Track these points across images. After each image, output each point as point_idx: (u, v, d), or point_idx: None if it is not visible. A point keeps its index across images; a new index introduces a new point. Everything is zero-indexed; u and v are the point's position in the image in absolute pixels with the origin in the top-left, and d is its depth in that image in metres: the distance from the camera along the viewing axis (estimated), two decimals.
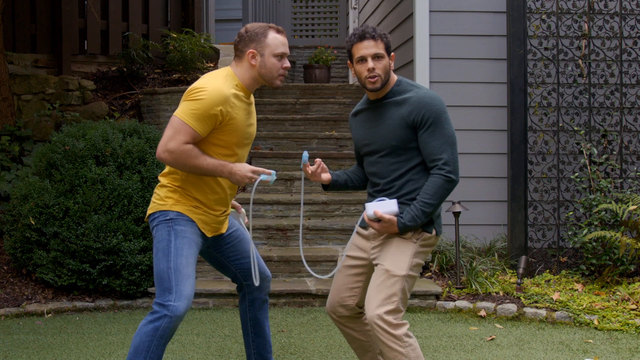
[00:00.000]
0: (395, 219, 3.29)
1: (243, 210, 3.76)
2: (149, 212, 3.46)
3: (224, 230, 3.59)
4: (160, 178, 3.48)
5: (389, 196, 3.39)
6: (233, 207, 3.72)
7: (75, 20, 8.62)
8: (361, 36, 3.35)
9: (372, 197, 3.48)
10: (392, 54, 3.40)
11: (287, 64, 3.44)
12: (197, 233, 3.41)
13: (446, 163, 3.26)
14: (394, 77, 3.44)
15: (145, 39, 9.27)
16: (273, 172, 3.40)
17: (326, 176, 3.54)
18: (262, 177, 3.36)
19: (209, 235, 3.50)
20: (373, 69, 3.32)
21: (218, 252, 3.64)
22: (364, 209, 3.46)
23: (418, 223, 3.29)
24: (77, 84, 8.12)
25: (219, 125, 3.31)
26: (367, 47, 3.32)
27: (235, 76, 3.41)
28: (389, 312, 3.26)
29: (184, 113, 3.26)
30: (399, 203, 3.34)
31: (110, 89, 8.60)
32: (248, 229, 3.75)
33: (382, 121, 3.40)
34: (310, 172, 3.47)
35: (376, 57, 3.33)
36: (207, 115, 3.25)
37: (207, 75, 3.40)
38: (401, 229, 3.30)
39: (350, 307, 3.55)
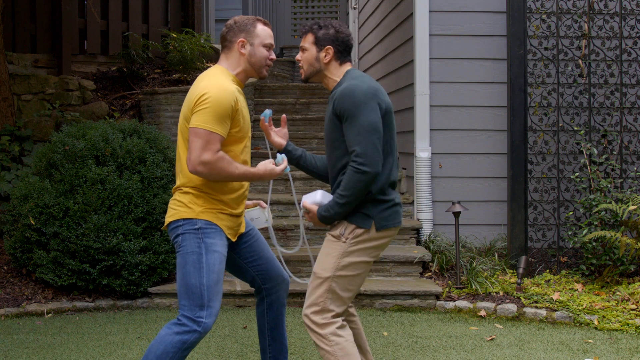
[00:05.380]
0: (316, 208, 3.35)
1: (265, 204, 3.73)
2: (170, 219, 3.39)
3: (243, 230, 3.58)
4: (178, 186, 3.41)
5: (331, 190, 3.46)
6: (255, 205, 3.68)
7: (75, 20, 8.61)
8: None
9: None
10: (328, 47, 3.42)
11: (274, 55, 3.52)
12: (224, 244, 3.39)
13: (358, 155, 3.22)
14: (343, 70, 3.46)
15: (145, 39, 9.26)
16: (279, 156, 3.51)
17: (279, 141, 3.62)
18: (284, 166, 3.46)
19: (233, 240, 3.48)
20: (299, 60, 3.51)
21: (235, 253, 3.59)
22: None
23: (331, 214, 3.29)
24: (77, 84, 8.12)
25: (233, 121, 3.33)
26: (301, 42, 3.53)
27: (227, 71, 3.44)
28: (315, 313, 3.33)
29: (205, 122, 3.23)
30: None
31: (110, 89, 8.59)
32: (271, 231, 3.73)
33: (325, 115, 3.48)
34: (265, 127, 3.56)
35: (301, 49, 3.50)
36: (225, 116, 3.27)
37: (204, 78, 3.38)
38: (319, 219, 3.35)
39: None
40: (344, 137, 3.31)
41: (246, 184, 3.50)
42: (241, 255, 3.59)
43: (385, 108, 3.33)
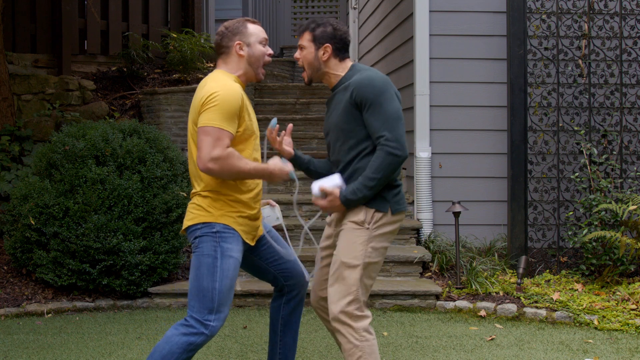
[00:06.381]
0: (338, 191, 3.34)
1: (275, 203, 3.76)
2: (189, 222, 3.41)
3: (261, 232, 3.60)
4: (197, 191, 3.42)
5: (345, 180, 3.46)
6: (266, 204, 3.72)
7: (75, 20, 8.61)
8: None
9: None
10: (327, 45, 3.46)
11: (271, 50, 3.58)
12: (240, 250, 3.41)
13: (388, 139, 3.28)
14: (346, 65, 3.50)
15: (145, 39, 9.26)
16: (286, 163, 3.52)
17: (289, 150, 3.62)
18: (292, 173, 3.47)
19: (252, 244, 3.50)
20: (298, 58, 3.55)
21: (256, 256, 3.62)
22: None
23: (359, 196, 3.31)
24: (77, 84, 8.12)
25: (239, 120, 3.36)
26: (299, 40, 3.57)
27: (229, 73, 3.49)
28: (349, 303, 3.32)
29: (214, 120, 3.26)
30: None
31: (110, 89, 8.59)
32: (283, 228, 3.76)
33: (334, 107, 3.49)
34: (272, 138, 3.58)
35: (299, 47, 3.53)
36: (233, 114, 3.30)
37: (208, 81, 3.41)
38: (343, 202, 3.34)
39: None
40: (360, 126, 3.35)
41: (260, 182, 3.52)
42: (261, 257, 3.63)
43: (399, 99, 3.41)
